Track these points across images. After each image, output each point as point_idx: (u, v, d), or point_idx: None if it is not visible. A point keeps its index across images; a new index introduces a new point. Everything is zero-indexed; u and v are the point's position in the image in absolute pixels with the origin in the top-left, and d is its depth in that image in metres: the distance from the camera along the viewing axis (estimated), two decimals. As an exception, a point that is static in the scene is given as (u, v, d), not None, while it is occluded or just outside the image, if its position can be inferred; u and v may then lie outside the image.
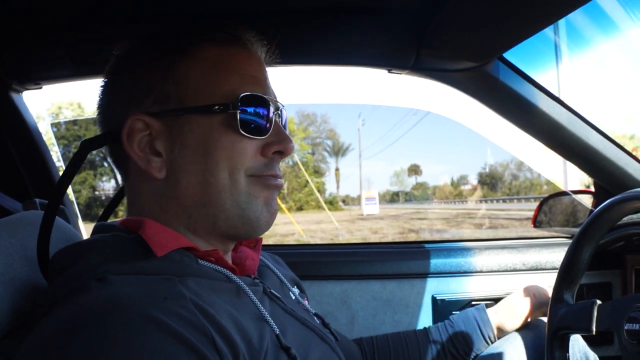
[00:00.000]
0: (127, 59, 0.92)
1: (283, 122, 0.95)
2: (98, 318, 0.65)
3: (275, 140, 0.90)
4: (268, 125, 0.89)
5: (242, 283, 0.84)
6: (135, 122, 0.86)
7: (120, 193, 1.05)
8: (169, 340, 0.65)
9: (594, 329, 1.11)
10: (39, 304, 0.76)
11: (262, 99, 0.88)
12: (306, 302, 1.08)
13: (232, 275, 0.84)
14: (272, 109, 0.89)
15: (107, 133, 0.90)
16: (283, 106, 0.95)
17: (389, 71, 1.43)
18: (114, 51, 0.94)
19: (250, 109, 0.86)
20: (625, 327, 1.03)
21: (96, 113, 0.94)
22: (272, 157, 0.90)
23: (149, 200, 0.88)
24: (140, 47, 0.93)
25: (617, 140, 1.54)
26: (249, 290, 0.84)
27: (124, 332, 0.64)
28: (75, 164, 0.88)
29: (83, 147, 0.88)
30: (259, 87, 0.89)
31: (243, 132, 0.85)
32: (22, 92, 1.61)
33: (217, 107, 0.85)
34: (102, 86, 0.93)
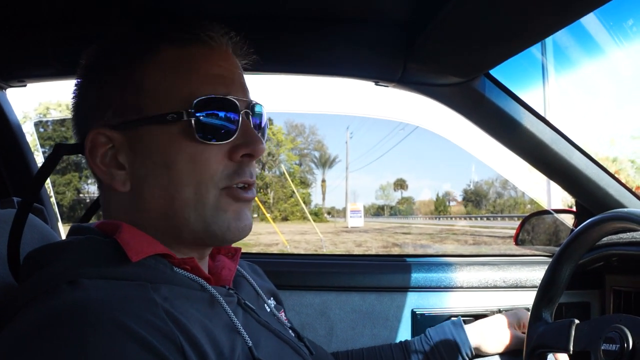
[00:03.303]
0: (90, 65, 0.89)
1: (260, 122, 0.91)
2: (66, 322, 0.64)
3: (242, 142, 0.84)
4: (234, 126, 0.84)
5: (216, 293, 0.82)
6: (97, 136, 0.83)
7: (98, 199, 1.02)
8: (136, 347, 0.63)
9: (572, 349, 1.11)
10: (8, 305, 0.74)
11: (225, 100, 0.83)
12: (282, 314, 1.06)
13: (207, 284, 0.83)
14: (239, 108, 0.84)
15: (77, 145, 0.87)
16: (258, 103, 0.90)
17: (376, 83, 1.43)
18: (82, 56, 0.90)
19: (211, 112, 0.82)
20: (602, 347, 1.03)
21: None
22: (241, 160, 0.84)
23: (118, 210, 0.87)
24: (100, 52, 0.89)
25: (601, 163, 1.56)
26: (223, 301, 0.82)
27: (91, 336, 0.62)
28: (48, 165, 0.87)
29: (56, 151, 0.86)
30: (222, 86, 0.84)
31: (202, 140, 0.81)
32: (5, 90, 1.59)
33: (171, 115, 0.81)
34: (72, 92, 0.90)
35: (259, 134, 0.89)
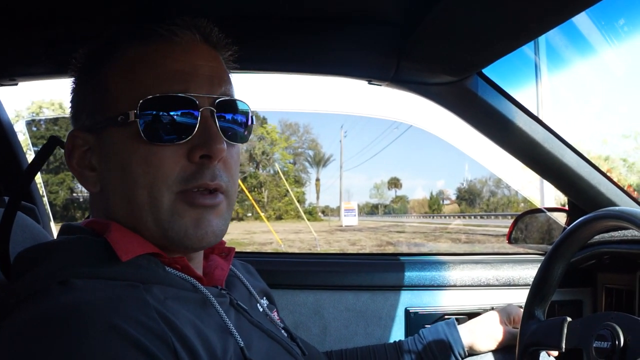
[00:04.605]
0: (74, 68, 0.90)
1: (239, 119, 0.87)
2: (58, 323, 0.64)
3: (200, 142, 0.79)
4: (191, 125, 0.79)
5: (209, 294, 0.82)
6: (74, 139, 0.85)
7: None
8: (129, 348, 0.63)
9: (564, 346, 1.12)
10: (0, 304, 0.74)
11: (177, 98, 0.79)
12: (275, 314, 1.06)
13: (199, 285, 0.82)
14: (197, 106, 0.80)
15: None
16: (230, 99, 0.85)
17: (369, 82, 1.43)
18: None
19: (160, 111, 0.78)
20: (594, 345, 1.03)
21: None
22: (202, 162, 0.80)
23: (97, 209, 0.88)
24: (81, 54, 0.90)
25: (593, 162, 1.56)
26: (215, 302, 0.82)
27: (84, 338, 0.62)
28: (41, 156, 0.88)
29: (50, 142, 0.88)
30: (179, 83, 0.80)
31: (152, 141, 0.78)
32: (-4, 88, 1.58)
33: (120, 117, 0.79)
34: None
35: (231, 133, 0.85)
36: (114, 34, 0.87)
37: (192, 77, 0.81)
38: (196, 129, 0.79)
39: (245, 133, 0.89)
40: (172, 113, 0.79)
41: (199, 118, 0.80)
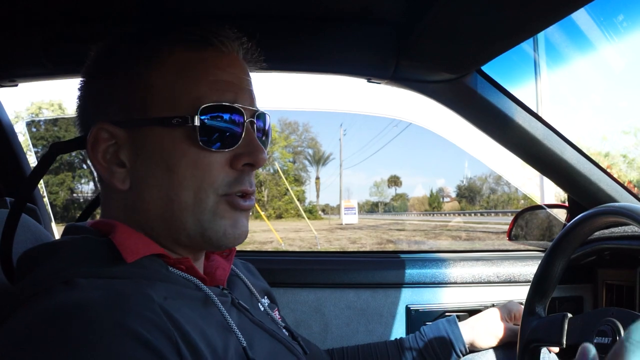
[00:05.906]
0: (98, 61, 0.88)
1: (265, 128, 0.91)
2: (63, 323, 0.64)
3: (245, 151, 0.84)
4: (238, 135, 0.84)
5: (211, 293, 0.82)
6: (100, 132, 0.83)
7: (97, 197, 1.00)
8: (134, 344, 0.63)
9: (565, 342, 1.12)
10: (3, 305, 0.74)
11: (231, 108, 0.83)
12: (276, 313, 1.06)
13: (202, 284, 0.82)
14: (244, 117, 0.84)
15: (77, 140, 0.86)
16: (263, 112, 0.90)
17: (369, 80, 1.43)
18: (91, 51, 0.90)
19: (216, 120, 0.81)
20: (595, 341, 1.04)
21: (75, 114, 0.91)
22: (243, 169, 0.84)
23: (117, 208, 0.86)
24: (111, 49, 0.89)
25: (593, 158, 1.56)
26: (217, 301, 0.82)
27: (90, 335, 0.62)
28: (43, 165, 0.87)
29: (52, 150, 0.86)
30: (230, 93, 0.84)
31: (205, 146, 0.81)
32: (-4, 89, 1.58)
33: (176, 119, 0.80)
34: (78, 88, 0.90)
35: (263, 143, 0.89)
36: (162, 34, 0.87)
37: (238, 90, 0.85)
38: (242, 138, 0.84)
39: (266, 140, 0.93)
40: (225, 122, 0.82)
41: (244, 128, 0.84)
